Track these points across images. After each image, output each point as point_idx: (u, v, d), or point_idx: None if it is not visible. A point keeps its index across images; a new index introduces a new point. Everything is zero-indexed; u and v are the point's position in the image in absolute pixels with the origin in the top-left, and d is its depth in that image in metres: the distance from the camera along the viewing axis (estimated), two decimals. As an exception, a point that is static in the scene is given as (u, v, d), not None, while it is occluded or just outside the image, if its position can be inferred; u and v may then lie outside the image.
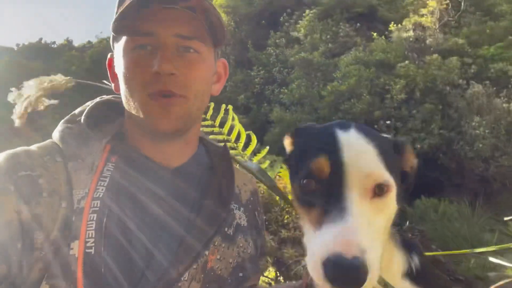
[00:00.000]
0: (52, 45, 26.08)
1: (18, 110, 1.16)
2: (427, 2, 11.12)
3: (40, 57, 20.13)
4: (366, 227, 0.68)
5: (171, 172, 1.06)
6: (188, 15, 0.98)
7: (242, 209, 1.14)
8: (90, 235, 0.88)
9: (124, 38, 1.02)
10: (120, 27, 1.01)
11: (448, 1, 11.07)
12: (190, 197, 1.05)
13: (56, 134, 1.06)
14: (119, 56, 1.04)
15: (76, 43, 25.45)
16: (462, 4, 11.09)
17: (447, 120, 9.16)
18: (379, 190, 0.72)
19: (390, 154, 0.79)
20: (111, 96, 1.18)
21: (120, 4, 1.05)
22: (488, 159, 8.58)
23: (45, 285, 0.85)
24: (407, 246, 0.93)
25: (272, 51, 14.33)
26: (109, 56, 1.14)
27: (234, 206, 1.11)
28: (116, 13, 1.05)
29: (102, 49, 19.88)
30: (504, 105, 8.56)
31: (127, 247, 0.93)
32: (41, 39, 26.20)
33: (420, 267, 0.91)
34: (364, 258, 0.63)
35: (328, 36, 12.48)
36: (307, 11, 13.48)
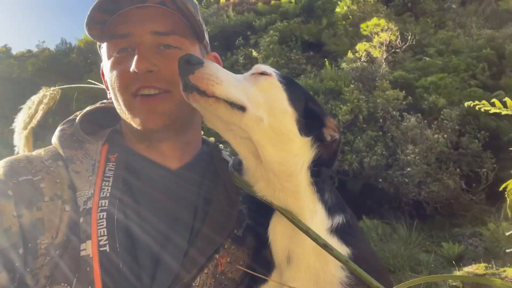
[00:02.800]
0: (-12, 52, 24.14)
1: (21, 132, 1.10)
2: (379, 33, 12.06)
3: (-27, 62, 18.49)
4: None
5: (172, 172, 1.05)
6: (162, 11, 0.97)
7: None
8: (102, 233, 0.87)
9: (105, 44, 1.03)
10: (97, 33, 1.00)
11: (398, 34, 12.05)
12: (193, 198, 1.04)
13: (53, 137, 1.04)
14: (105, 62, 1.04)
15: (14, 51, 23.77)
16: (409, 37, 12.10)
17: (385, 148, 9.84)
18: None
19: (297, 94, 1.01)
20: (106, 102, 1.16)
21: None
22: (420, 184, 9.30)
23: None
24: (334, 205, 1.01)
25: (226, 73, 14.48)
26: (102, 65, 1.12)
27: (243, 206, 1.09)
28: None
29: (45, 58, 18.77)
30: (435, 135, 9.39)
31: (138, 245, 0.92)
32: (-26, 44, 24.13)
33: (347, 227, 0.98)
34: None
35: (283, 61, 12.96)
36: (271, 32, 13.88)
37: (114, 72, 1.00)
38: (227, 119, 0.92)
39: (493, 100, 1.53)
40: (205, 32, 1.08)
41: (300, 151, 0.95)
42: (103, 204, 0.90)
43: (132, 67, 0.95)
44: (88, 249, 0.86)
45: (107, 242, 0.86)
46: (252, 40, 14.52)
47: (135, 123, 1.00)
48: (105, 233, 0.87)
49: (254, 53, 13.53)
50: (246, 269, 1.06)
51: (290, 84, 1.01)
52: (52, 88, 1.16)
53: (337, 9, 14.40)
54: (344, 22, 14.04)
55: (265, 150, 0.93)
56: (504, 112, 1.47)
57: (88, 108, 1.13)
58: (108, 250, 0.86)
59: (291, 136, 0.95)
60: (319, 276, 0.93)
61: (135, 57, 0.95)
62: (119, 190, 0.95)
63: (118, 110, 1.04)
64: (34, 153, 1.00)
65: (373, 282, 0.70)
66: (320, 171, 0.98)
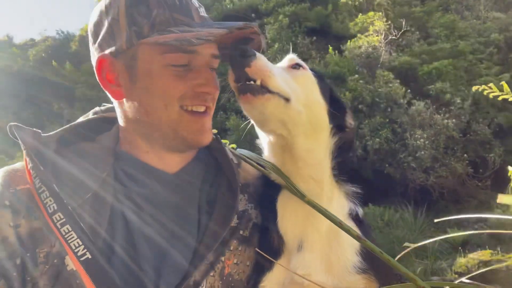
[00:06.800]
0: (-10, 41, 24.12)
1: None
2: (374, 22, 11.95)
3: (-24, 52, 18.48)
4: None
5: (172, 176, 1.03)
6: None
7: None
8: (77, 245, 0.84)
9: (166, 54, 0.93)
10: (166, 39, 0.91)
11: (390, 22, 12.03)
12: (195, 199, 1.02)
13: None
14: (148, 66, 0.94)
15: (17, 41, 23.73)
16: (404, 24, 12.07)
17: (392, 134, 9.77)
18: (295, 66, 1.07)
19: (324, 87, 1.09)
20: (99, 110, 1.13)
21: (149, 14, 0.93)
22: (428, 169, 9.26)
23: None
24: (353, 194, 1.08)
25: (229, 59, 14.39)
26: (100, 57, 0.97)
27: (249, 206, 1.09)
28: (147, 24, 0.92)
29: (47, 47, 18.75)
30: (444, 121, 9.30)
31: (132, 249, 0.91)
32: (-24, 33, 24.10)
33: (361, 217, 1.07)
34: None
35: (288, 47, 12.81)
36: (280, 16, 13.69)
37: (169, 83, 0.94)
38: (274, 112, 0.94)
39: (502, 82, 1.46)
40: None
41: (326, 139, 1.02)
42: (59, 218, 0.86)
43: (204, 89, 0.97)
44: (70, 264, 0.85)
45: (85, 250, 0.84)
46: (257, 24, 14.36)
47: (179, 136, 0.98)
48: (80, 243, 0.85)
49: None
50: (254, 262, 1.06)
51: (318, 77, 1.09)
52: None
53: (343, -7, 14.14)
54: (350, 3, 13.83)
55: (298, 140, 0.97)
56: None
57: (81, 120, 1.10)
58: (90, 257, 0.84)
59: (323, 125, 1.02)
60: (331, 261, 0.97)
61: (204, 78, 0.97)
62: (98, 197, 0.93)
63: (145, 117, 0.97)
64: None
65: (384, 255, 0.76)
66: (342, 160, 1.04)
